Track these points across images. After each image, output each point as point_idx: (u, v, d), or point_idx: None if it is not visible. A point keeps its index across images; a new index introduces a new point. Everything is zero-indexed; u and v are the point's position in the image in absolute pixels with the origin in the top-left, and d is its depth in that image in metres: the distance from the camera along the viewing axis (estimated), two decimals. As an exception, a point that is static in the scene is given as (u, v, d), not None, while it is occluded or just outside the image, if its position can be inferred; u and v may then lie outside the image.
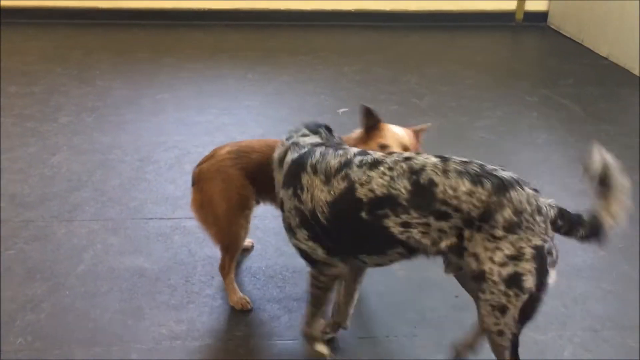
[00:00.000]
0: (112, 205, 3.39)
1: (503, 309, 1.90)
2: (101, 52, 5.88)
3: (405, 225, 1.95)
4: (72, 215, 3.28)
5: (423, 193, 1.91)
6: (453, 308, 2.67)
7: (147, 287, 2.79)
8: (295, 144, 2.21)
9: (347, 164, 2.04)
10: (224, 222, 2.58)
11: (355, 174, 2.00)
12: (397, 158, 2.00)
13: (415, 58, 6.11)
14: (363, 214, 1.98)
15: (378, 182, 1.96)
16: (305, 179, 2.09)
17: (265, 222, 3.21)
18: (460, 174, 1.89)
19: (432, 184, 1.90)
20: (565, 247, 3.07)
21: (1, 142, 4.03)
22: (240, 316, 2.63)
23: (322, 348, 2.37)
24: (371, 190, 1.97)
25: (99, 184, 3.60)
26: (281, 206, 2.21)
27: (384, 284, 2.85)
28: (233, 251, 2.65)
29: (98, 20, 6.73)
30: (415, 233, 1.95)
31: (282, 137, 2.32)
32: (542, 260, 1.88)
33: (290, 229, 2.18)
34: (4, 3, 6.55)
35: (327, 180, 2.04)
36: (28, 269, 2.87)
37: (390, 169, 1.97)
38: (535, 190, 1.94)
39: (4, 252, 2.97)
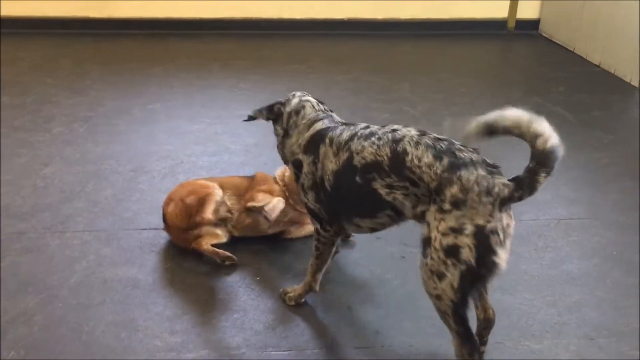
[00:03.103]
0: (105, 216, 3.37)
1: (441, 275, 2.07)
2: (92, 62, 5.86)
3: (390, 187, 2.22)
4: (64, 227, 3.26)
5: (397, 160, 2.18)
6: (449, 317, 2.66)
7: (141, 298, 2.77)
8: (329, 117, 2.57)
9: (352, 137, 2.35)
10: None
11: (354, 144, 2.32)
12: (386, 130, 2.30)
13: (408, 66, 6.13)
14: (357, 178, 2.29)
15: (368, 151, 2.26)
16: (322, 150, 2.43)
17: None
18: (427, 147, 2.14)
19: (404, 152, 2.17)
20: (559, 255, 3.14)
21: (-8, 153, 4.01)
22: (235, 327, 2.62)
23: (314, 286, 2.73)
24: (363, 158, 2.27)
25: (91, 194, 3.58)
26: (300, 167, 2.54)
27: (380, 294, 2.84)
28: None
29: (88, 30, 6.71)
30: (399, 194, 2.21)
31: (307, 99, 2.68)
32: (484, 238, 2.00)
33: (303, 189, 2.54)
34: (-6, 13, 6.53)
35: (337, 152, 2.37)
36: (20, 281, 2.84)
37: (379, 138, 2.26)
38: (492, 169, 2.08)
39: (-5, 265, 2.95)
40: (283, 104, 2.67)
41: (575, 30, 6.49)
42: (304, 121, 2.57)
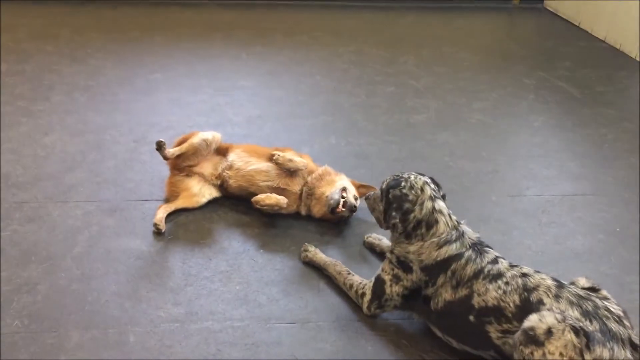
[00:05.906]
0: (107, 187, 3.34)
1: None
2: (92, 30, 5.77)
3: (505, 332, 2.18)
4: (66, 197, 3.24)
5: (529, 309, 2.12)
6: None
7: (144, 269, 2.76)
8: (461, 236, 2.38)
9: (478, 274, 2.28)
10: None
11: (478, 284, 2.26)
12: (515, 272, 2.24)
13: (412, 39, 6.05)
14: (471, 317, 2.25)
15: (492, 295, 2.22)
16: (441, 279, 2.34)
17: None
18: (571, 304, 2.09)
19: (540, 302, 2.12)
20: (564, 231, 3.12)
21: (-7, 122, 3.97)
22: (238, 299, 2.61)
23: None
24: (484, 301, 2.23)
25: (93, 164, 3.55)
26: (405, 268, 2.42)
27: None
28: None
29: (89, -2, 6.62)
30: (511, 339, 2.14)
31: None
32: None
33: (395, 278, 2.45)
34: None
35: (456, 286, 2.31)
36: (23, 250, 2.83)
37: (507, 283, 2.22)
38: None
39: (-3, 234, 2.93)
40: (412, 202, 2.40)
41: (581, 4, 6.41)
42: (433, 239, 2.36)
